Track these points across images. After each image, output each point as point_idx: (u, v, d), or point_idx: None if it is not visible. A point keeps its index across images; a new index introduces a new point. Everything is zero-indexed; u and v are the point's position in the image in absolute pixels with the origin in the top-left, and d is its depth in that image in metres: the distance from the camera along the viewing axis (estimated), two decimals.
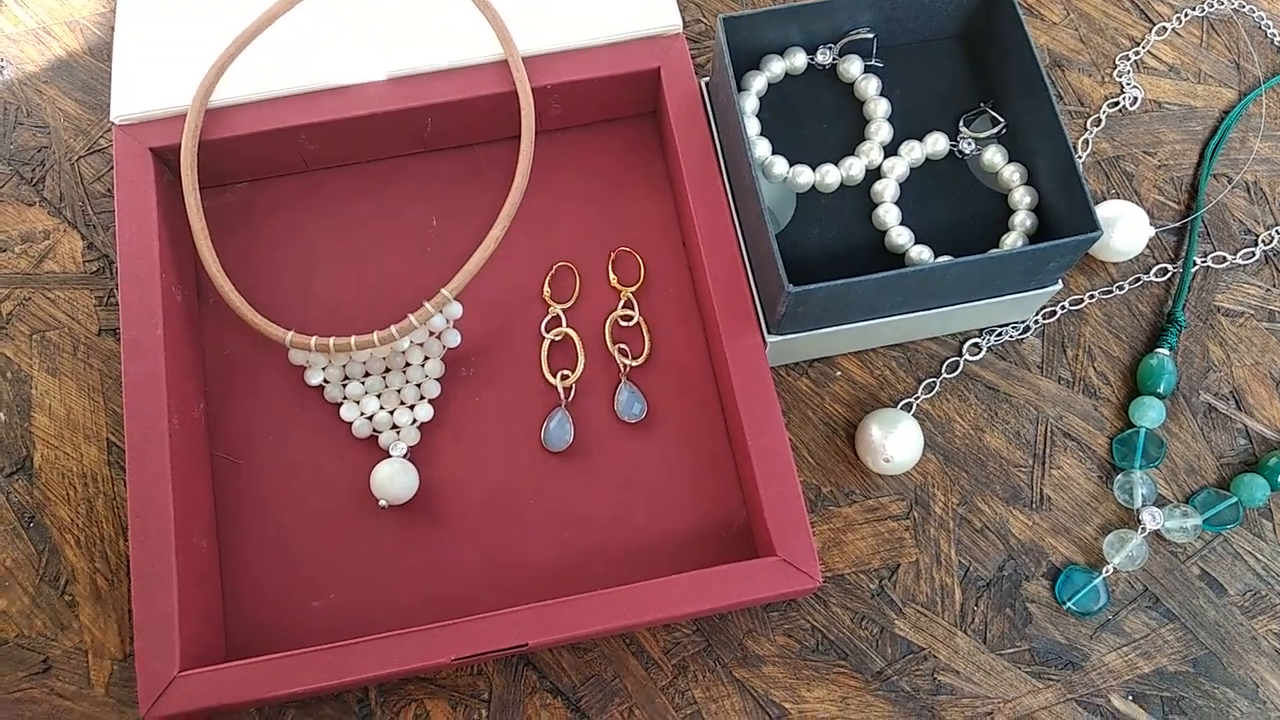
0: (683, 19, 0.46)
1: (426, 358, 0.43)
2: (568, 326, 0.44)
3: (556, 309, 0.44)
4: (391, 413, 0.42)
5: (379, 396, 0.42)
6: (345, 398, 0.42)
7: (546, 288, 0.45)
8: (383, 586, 0.41)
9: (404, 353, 0.43)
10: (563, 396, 0.43)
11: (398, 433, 0.42)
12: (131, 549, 0.37)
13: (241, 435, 0.43)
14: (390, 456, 0.41)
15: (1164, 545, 0.41)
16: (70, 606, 0.41)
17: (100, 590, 0.41)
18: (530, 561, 0.41)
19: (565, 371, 0.43)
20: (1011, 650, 0.40)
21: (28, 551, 0.42)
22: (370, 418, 0.42)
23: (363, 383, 0.43)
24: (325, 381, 0.43)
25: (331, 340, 0.41)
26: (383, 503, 0.40)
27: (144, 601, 0.36)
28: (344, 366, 0.43)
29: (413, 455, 0.42)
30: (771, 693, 0.40)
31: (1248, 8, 0.51)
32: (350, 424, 0.42)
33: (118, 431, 0.43)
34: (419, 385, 0.43)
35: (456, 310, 0.43)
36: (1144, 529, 0.41)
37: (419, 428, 0.42)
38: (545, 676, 0.40)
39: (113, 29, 0.49)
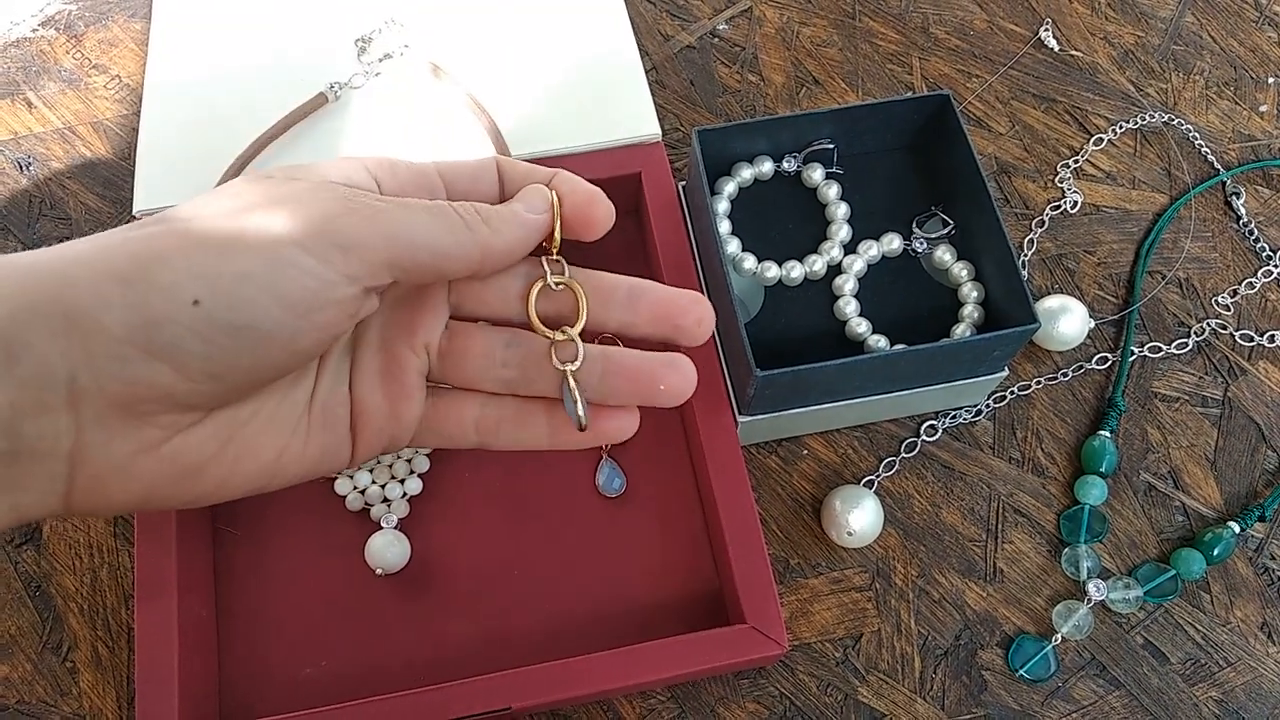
0: (662, 128, 0.51)
1: None
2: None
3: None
4: (383, 487, 0.45)
5: (371, 471, 0.45)
6: (339, 473, 0.45)
7: None
8: (373, 653, 0.42)
9: None
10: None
11: (388, 505, 0.44)
12: (137, 617, 0.39)
13: (241, 507, 0.45)
14: (381, 528, 0.44)
15: (1109, 615, 0.44)
16: (71, 673, 0.42)
17: (101, 657, 0.43)
18: (515, 629, 0.43)
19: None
20: (968, 716, 0.42)
21: (32, 619, 0.43)
22: (363, 491, 0.45)
23: None
24: None
25: None
26: (379, 571, 0.43)
27: (146, 668, 0.38)
28: None
29: (402, 526, 0.44)
30: None
31: (1176, 120, 0.56)
32: (344, 498, 0.45)
33: None
34: (409, 460, 0.45)
35: None
36: (1090, 600, 0.43)
37: (408, 501, 0.45)
38: None
39: (134, 131, 0.53)
